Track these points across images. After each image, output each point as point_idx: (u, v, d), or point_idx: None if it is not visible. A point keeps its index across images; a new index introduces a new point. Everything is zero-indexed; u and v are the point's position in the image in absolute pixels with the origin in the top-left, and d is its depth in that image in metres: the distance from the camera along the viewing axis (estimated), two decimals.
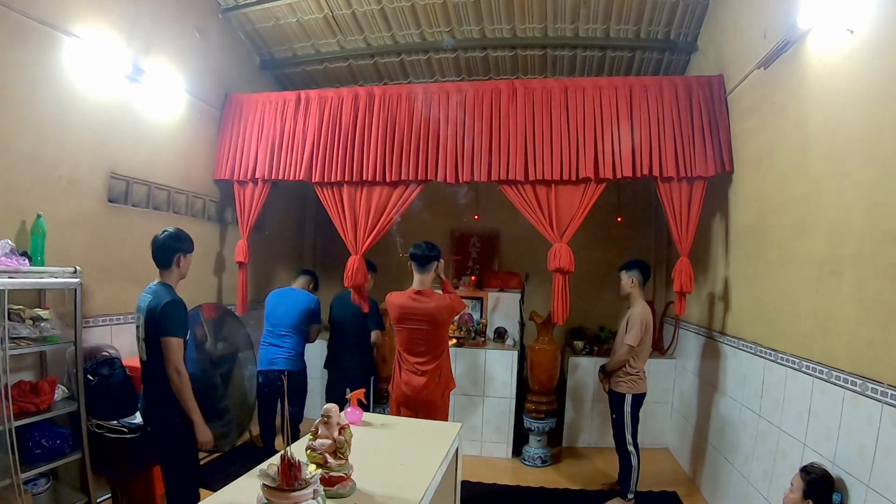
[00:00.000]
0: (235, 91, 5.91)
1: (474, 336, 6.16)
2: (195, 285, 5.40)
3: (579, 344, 6.31)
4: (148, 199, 4.91)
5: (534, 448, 5.62)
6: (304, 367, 5.16)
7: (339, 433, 2.13)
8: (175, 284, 3.58)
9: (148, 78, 4.72)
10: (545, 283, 6.21)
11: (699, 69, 5.50)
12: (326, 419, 2.16)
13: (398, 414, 4.09)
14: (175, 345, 3.35)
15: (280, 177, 5.41)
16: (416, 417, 3.95)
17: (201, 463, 4.95)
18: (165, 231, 3.56)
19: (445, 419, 4.15)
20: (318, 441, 2.12)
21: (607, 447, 5.49)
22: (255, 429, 5.88)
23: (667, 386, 6.01)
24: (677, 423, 5.90)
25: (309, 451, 2.10)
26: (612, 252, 6.67)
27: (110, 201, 4.50)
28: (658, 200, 4.86)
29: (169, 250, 3.51)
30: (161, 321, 3.34)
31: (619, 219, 6.85)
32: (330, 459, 2.07)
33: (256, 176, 5.48)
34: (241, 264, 5.63)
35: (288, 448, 1.70)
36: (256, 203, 5.57)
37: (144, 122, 4.82)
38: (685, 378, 5.76)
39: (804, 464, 2.99)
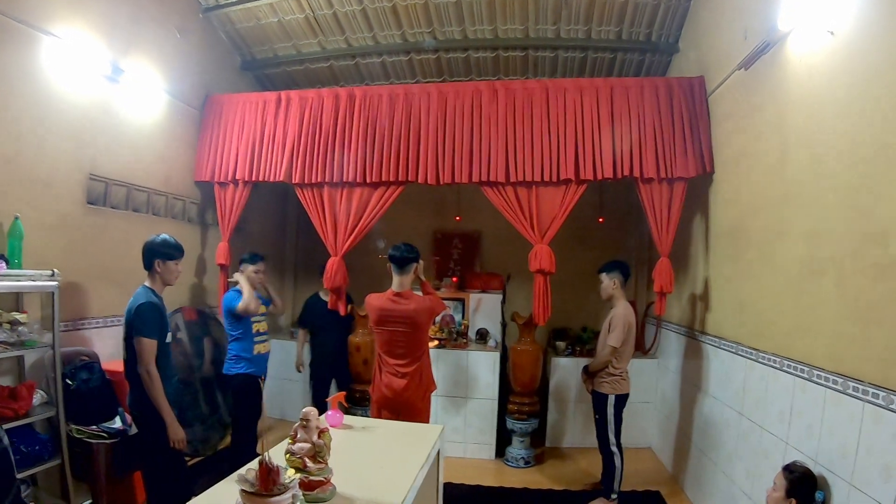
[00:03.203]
0: (216, 92, 5.87)
1: (456, 337, 6.14)
2: (175, 287, 5.31)
3: (562, 345, 6.32)
4: (127, 201, 4.86)
5: (517, 449, 5.61)
6: (243, 371, 4.70)
7: (319, 437, 2.11)
8: (159, 288, 3.66)
9: (127, 78, 4.68)
10: (527, 283, 6.18)
11: (680, 71, 5.54)
12: (305, 423, 2.14)
13: (379, 416, 4.06)
14: (145, 345, 3.39)
15: (260, 178, 5.37)
16: (398, 420, 3.92)
17: None
18: (156, 236, 3.67)
19: (427, 421, 4.13)
20: (297, 445, 2.10)
21: (590, 447, 5.51)
22: None
23: (649, 385, 6.03)
24: (660, 422, 5.92)
25: (288, 456, 2.08)
26: (593, 253, 6.60)
27: (89, 203, 4.45)
28: (639, 201, 4.88)
29: (148, 254, 3.61)
30: (134, 322, 3.42)
31: (600, 219, 6.88)
32: (309, 463, 2.05)
33: (237, 177, 5.44)
34: (222, 266, 5.58)
35: (266, 453, 1.68)
36: (237, 204, 5.53)
37: (124, 122, 4.78)
38: (667, 378, 5.78)
39: (787, 462, 3.00)
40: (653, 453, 6.01)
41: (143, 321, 3.41)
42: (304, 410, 2.17)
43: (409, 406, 4.02)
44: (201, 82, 5.78)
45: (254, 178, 5.41)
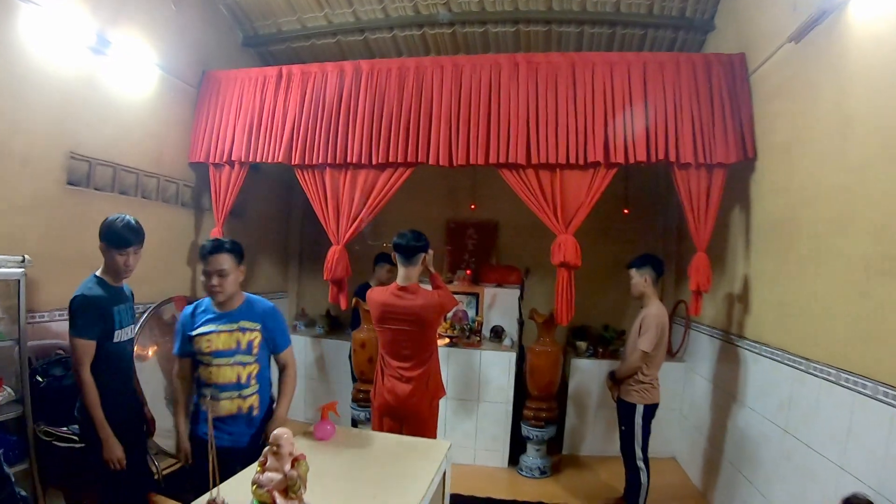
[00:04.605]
0: (216, 69, 5.49)
1: (469, 335, 5.73)
2: (167, 277, 5.08)
3: (582, 345, 5.89)
4: (113, 183, 4.51)
5: (532, 457, 5.20)
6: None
7: (292, 466, 1.71)
8: (111, 278, 3.17)
9: (115, 50, 4.34)
10: (546, 278, 5.93)
11: (716, 49, 5.08)
12: (276, 448, 1.73)
13: (380, 424, 3.68)
14: (76, 347, 2.94)
15: (258, 159, 4.99)
16: (401, 428, 3.58)
17: (167, 471, 4.59)
18: (112, 215, 3.17)
19: (433, 431, 3.72)
20: (266, 475, 1.70)
21: (611, 456, 5.19)
22: None
23: (675, 391, 5.57)
24: (687, 431, 5.49)
25: (255, 487, 1.69)
26: (617, 246, 6.28)
27: (70, 184, 4.11)
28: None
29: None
30: (68, 318, 2.99)
31: (625, 210, 6.44)
32: (279, 499, 1.65)
33: (233, 158, 5.06)
34: None
35: (216, 489, 1.28)
36: (233, 188, 5.14)
37: (111, 98, 4.44)
38: (696, 383, 5.36)
39: (839, 490, 2.67)
40: (677, 465, 5.58)
41: (72, 317, 2.96)
42: (274, 433, 1.76)
43: (414, 414, 3.60)
44: (198, 58, 5.41)
45: (251, 159, 5.03)
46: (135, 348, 3.48)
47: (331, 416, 2.73)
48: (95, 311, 2.99)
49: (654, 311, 4.12)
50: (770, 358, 3.86)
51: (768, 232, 4.09)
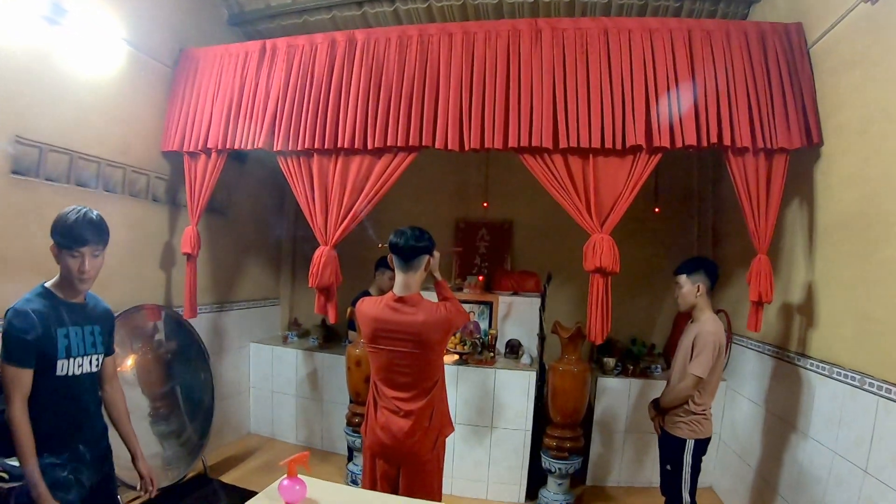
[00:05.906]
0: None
1: (481, 351, 5.05)
2: (135, 282, 4.48)
3: (610, 362, 5.18)
4: (69, 173, 3.92)
5: (553, 492, 4.52)
6: None
7: None
8: (65, 290, 2.50)
9: (73, 21, 3.79)
10: (568, 284, 5.42)
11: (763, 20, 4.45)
12: None
13: (372, 467, 2.99)
14: (6, 376, 2.26)
15: (236, 145, 4.35)
16: (397, 473, 2.90)
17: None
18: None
19: (438, 480, 3.01)
20: None
21: (641, 487, 4.79)
22: (209, 457, 5.02)
23: (714, 413, 4.84)
24: (728, 459, 4.83)
25: None
26: (646, 249, 5.67)
27: (14, 173, 3.55)
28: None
29: None
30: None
31: (656, 209, 5.77)
32: None
33: (209, 145, 4.43)
34: (188, 256, 4.58)
35: None
36: (209, 180, 4.51)
37: (67, 76, 3.87)
38: (740, 406, 4.71)
39: None
40: (715, 496, 4.93)
41: (5, 339, 2.29)
42: None
43: (413, 457, 2.90)
44: (176, 36, 4.83)
45: (228, 146, 4.39)
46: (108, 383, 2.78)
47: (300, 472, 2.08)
48: (28, 331, 2.32)
49: (711, 328, 3.40)
50: (844, 382, 3.26)
51: (838, 230, 3.47)
